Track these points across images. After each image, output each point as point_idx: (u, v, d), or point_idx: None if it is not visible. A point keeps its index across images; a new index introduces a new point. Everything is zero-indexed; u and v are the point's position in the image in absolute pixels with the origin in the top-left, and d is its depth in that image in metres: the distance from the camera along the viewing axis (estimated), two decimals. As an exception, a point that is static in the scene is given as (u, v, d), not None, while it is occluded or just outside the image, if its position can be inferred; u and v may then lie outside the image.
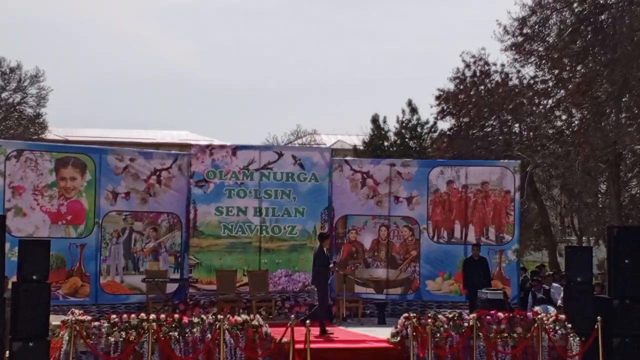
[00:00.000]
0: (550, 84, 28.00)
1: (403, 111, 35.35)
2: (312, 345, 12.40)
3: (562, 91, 27.27)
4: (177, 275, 18.20)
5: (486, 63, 29.65)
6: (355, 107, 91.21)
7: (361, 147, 36.94)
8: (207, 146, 19.13)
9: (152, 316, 12.73)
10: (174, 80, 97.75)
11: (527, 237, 32.03)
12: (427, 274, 18.95)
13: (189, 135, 52.59)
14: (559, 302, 16.72)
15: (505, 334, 13.65)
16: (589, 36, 24.92)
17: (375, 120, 36.07)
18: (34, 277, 12.12)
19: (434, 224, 19.08)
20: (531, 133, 29.77)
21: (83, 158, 17.55)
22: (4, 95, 35.94)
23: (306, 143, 48.41)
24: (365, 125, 40.44)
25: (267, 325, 13.23)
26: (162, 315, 12.98)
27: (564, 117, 28.88)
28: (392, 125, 35.77)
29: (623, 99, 24.16)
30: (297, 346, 12.60)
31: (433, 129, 34.86)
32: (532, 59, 27.73)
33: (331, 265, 15.41)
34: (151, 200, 18.12)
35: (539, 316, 13.80)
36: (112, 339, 12.30)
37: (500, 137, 29.89)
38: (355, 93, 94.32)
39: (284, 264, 18.64)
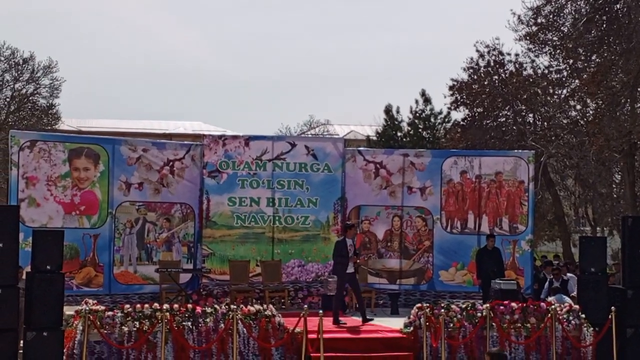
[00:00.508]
0: (565, 73, 27.84)
1: (416, 101, 35.21)
2: (325, 335, 12.42)
3: (576, 81, 27.11)
4: (190, 266, 18.23)
5: (500, 53, 29.48)
6: (368, 97, 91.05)
7: (374, 138, 36.84)
8: (220, 137, 19.13)
9: (166, 306, 12.78)
10: (187, 71, 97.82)
11: (541, 227, 31.90)
12: (440, 264, 18.92)
13: (201, 126, 52.59)
14: (573, 292, 16.66)
15: (519, 324, 13.65)
16: (604, 25, 24.74)
17: (388, 110, 35.94)
18: (48, 267, 12.18)
19: (447, 214, 19.04)
20: (545, 123, 29.63)
21: (96, 149, 17.58)
22: (17, 86, 35.97)
23: (319, 133, 48.33)
24: (379, 115, 40.44)
25: (280, 315, 13.27)
26: (176, 305, 13.03)
27: (578, 107, 28.74)
28: (405, 116, 35.65)
29: (638, 89, 23.98)
30: (310, 336, 12.62)
31: (446, 119, 34.70)
32: (547, 49, 27.57)
33: (352, 256, 15.15)
34: (164, 191, 18.14)
35: (553, 306, 13.77)
36: (125, 329, 12.36)
37: (514, 127, 29.76)
38: (369, 83, 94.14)
39: (296, 254, 18.64)
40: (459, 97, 30.21)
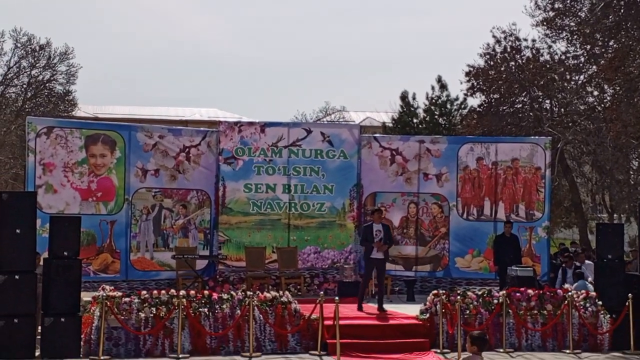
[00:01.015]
0: (582, 59, 27.69)
1: (432, 88, 35.10)
2: (341, 322, 12.42)
3: (594, 67, 26.95)
4: (206, 252, 18.26)
5: (517, 39, 29.32)
6: (384, 84, 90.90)
7: (390, 124, 36.75)
8: (236, 123, 19.14)
9: (182, 292, 12.82)
10: (203, 57, 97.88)
11: (558, 214, 31.80)
12: (456, 251, 18.88)
13: (217, 113, 52.67)
14: (590, 279, 16.61)
15: (535, 311, 13.62)
16: (622, 11, 24.55)
17: (404, 97, 35.84)
18: (65, 253, 12.26)
19: (464, 201, 18.99)
20: (562, 109, 29.47)
21: (112, 135, 17.61)
22: (33, 72, 36.08)
23: (335, 120, 48.27)
24: (394, 102, 40.38)
25: (296, 301, 13.28)
26: (192, 292, 13.07)
27: (595, 93, 28.57)
28: (421, 102, 35.57)
29: (656, 75, 23.81)
30: (326, 322, 12.63)
31: (463, 106, 34.58)
32: (564, 34, 27.41)
33: (376, 241, 14.87)
34: (180, 177, 18.17)
35: (569, 293, 13.73)
36: (142, 315, 12.41)
37: (530, 114, 29.62)
38: (384, 70, 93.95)
39: (312, 241, 18.65)
40: (475, 83, 30.07)
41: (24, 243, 12.00)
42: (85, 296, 12.92)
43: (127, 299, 12.56)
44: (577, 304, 13.63)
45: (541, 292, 13.97)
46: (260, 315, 12.77)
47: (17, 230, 11.97)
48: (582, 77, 28.49)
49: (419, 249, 19.04)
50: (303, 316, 12.98)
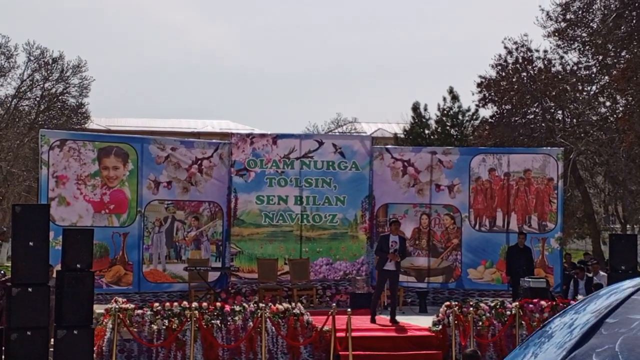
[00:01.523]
0: (594, 70, 27.63)
1: (444, 99, 35.13)
2: (354, 334, 12.41)
3: (606, 77, 26.89)
4: (218, 264, 18.27)
5: (528, 49, 29.28)
6: (396, 95, 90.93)
7: (402, 136, 36.77)
8: (248, 135, 19.18)
9: (195, 304, 12.85)
10: (215, 69, 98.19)
11: (570, 225, 31.67)
12: (468, 262, 18.83)
13: (229, 125, 52.77)
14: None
15: (549, 323, 13.54)
16: (634, 21, 24.52)
17: (416, 108, 35.88)
18: (78, 265, 12.27)
19: (476, 212, 18.94)
20: (574, 120, 29.40)
21: (125, 147, 17.67)
22: (46, 85, 36.28)
23: (347, 131, 48.30)
24: (406, 113, 40.21)
25: (308, 313, 13.28)
26: (204, 304, 13.09)
27: (608, 103, 28.49)
28: (433, 113, 35.59)
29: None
30: (339, 334, 12.62)
31: (474, 117, 34.58)
32: (576, 45, 27.38)
33: (391, 252, 14.86)
34: (193, 189, 18.19)
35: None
36: (155, 327, 12.44)
37: (542, 124, 29.55)
38: (396, 81, 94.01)
39: (324, 253, 18.63)
40: (487, 94, 30.05)
41: (37, 255, 12.02)
42: (98, 308, 12.96)
43: (139, 311, 12.59)
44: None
45: (554, 303, 13.92)
46: (273, 327, 12.77)
47: (30, 243, 11.99)
48: (594, 87, 28.42)
49: (431, 261, 18.99)
50: (315, 328, 12.97)
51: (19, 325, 11.86)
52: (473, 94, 30.40)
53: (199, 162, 18.27)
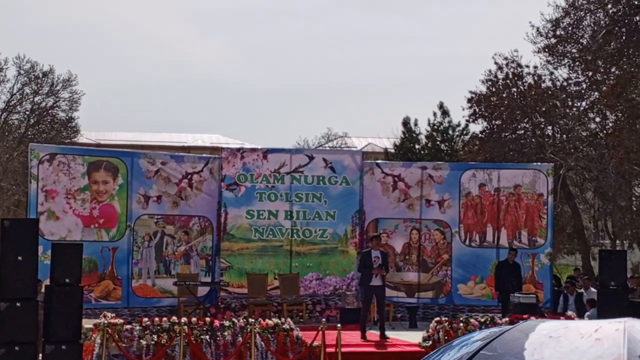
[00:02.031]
0: (584, 85, 27.77)
1: (434, 114, 35.17)
2: (343, 349, 12.37)
3: (595, 93, 27.02)
4: (208, 279, 18.21)
5: (519, 65, 29.40)
6: (386, 110, 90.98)
7: (392, 150, 36.81)
8: (238, 149, 19.18)
9: (184, 319, 12.79)
10: (206, 84, 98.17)
11: (560, 240, 31.72)
12: (458, 277, 18.81)
13: (220, 139, 52.74)
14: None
15: (539, 339, 13.52)
16: (624, 37, 24.66)
17: (406, 123, 35.92)
18: (67, 280, 12.21)
19: (466, 227, 18.95)
20: (564, 135, 29.51)
21: (115, 162, 17.63)
22: (36, 99, 36.22)
23: (337, 146, 48.31)
24: (396, 128, 40.27)
25: (298, 328, 13.24)
26: (194, 319, 13.04)
27: (597, 119, 28.62)
28: (423, 128, 35.63)
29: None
30: (328, 350, 12.58)
31: (465, 132, 34.65)
32: (566, 61, 27.51)
33: (375, 267, 14.93)
34: (182, 204, 18.15)
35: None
36: (144, 342, 12.37)
37: (532, 140, 29.65)
38: (386, 96, 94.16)
39: (314, 268, 18.60)
40: (477, 110, 30.15)
41: (26, 270, 11.95)
42: (87, 323, 12.88)
43: (128, 326, 12.53)
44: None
45: (544, 319, 13.91)
46: (262, 343, 12.72)
47: (19, 257, 11.92)
48: (584, 103, 28.56)
49: (421, 276, 18.96)
50: (305, 343, 12.93)
51: (7, 340, 11.78)
52: (463, 109, 30.54)
53: (189, 176, 18.24)
